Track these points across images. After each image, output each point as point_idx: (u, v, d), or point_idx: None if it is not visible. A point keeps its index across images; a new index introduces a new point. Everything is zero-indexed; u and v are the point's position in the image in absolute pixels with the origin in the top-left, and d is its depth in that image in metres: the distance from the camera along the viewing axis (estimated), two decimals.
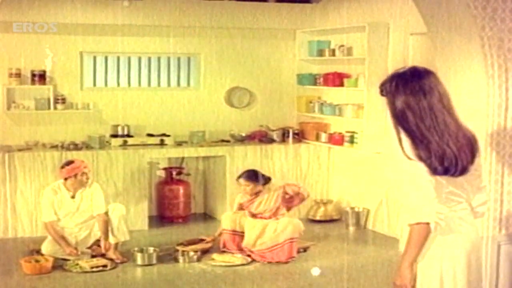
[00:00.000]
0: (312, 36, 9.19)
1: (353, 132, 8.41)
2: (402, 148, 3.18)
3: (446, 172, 3.17)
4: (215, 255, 6.97)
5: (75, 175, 6.92)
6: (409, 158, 3.16)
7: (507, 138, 4.93)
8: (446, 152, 3.15)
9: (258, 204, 7.26)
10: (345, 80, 8.53)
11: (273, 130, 9.05)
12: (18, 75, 8.23)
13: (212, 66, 9.16)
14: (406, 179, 3.19)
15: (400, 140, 3.21)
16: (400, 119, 3.23)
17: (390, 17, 7.98)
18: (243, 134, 9.02)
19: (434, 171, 3.16)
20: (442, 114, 3.20)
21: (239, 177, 7.43)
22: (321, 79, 8.93)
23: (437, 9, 5.15)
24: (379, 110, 8.06)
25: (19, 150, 7.98)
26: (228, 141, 8.94)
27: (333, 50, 8.83)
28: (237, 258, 6.91)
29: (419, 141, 3.16)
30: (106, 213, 6.98)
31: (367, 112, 8.06)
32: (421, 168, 3.14)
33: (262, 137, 9.02)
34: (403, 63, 7.77)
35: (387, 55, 8.03)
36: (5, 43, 8.24)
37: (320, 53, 9.01)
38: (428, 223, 3.13)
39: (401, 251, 3.41)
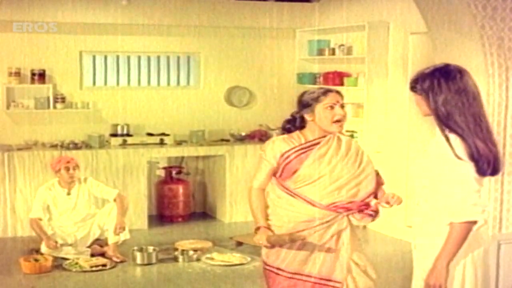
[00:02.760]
0: (312, 35, 9.18)
1: (353, 131, 8.40)
2: (452, 147, 3.12)
3: (493, 172, 3.17)
4: (214, 254, 6.96)
5: (59, 170, 6.96)
6: (459, 158, 3.11)
7: (507, 137, 4.93)
8: (492, 152, 3.15)
9: (320, 156, 3.87)
10: (345, 79, 8.53)
11: (273, 130, 9.03)
12: (18, 74, 8.23)
13: (212, 65, 9.15)
14: (451, 179, 3.13)
15: (448, 139, 3.15)
16: (445, 118, 3.17)
17: (390, 16, 7.98)
18: (243, 134, 9.02)
19: (483, 172, 3.14)
20: (481, 114, 3.19)
21: (325, 91, 3.91)
22: (321, 78, 8.93)
23: (437, 8, 5.15)
24: (379, 110, 8.07)
25: (19, 149, 7.97)
26: (228, 141, 8.93)
27: (333, 49, 8.83)
28: (236, 258, 6.90)
29: (471, 141, 3.12)
30: (119, 194, 7.05)
31: (367, 112, 8.06)
32: (469, 168, 3.11)
33: (262, 137, 9.01)
34: (403, 62, 7.78)
35: (387, 55, 8.02)
36: (5, 42, 8.24)
37: (320, 52, 9.01)
38: (471, 222, 3.12)
39: (413, 253, 3.42)
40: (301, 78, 9.22)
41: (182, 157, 8.88)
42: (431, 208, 3.26)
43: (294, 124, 3.92)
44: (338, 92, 3.90)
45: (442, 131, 3.18)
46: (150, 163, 8.66)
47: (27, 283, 6.23)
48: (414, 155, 7.53)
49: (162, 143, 8.57)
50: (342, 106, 3.86)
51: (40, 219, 6.92)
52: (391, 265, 6.75)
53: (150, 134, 8.72)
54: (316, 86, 9.03)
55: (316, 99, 3.83)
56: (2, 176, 7.75)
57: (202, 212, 9.16)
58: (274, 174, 3.89)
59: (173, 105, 8.99)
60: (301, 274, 3.82)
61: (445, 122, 3.18)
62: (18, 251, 7.20)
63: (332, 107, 3.82)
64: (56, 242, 6.81)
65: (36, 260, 6.55)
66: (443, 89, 3.18)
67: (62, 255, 6.81)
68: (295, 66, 9.33)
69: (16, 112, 8.34)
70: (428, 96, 3.21)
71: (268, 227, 3.80)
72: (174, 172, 8.76)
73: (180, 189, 8.69)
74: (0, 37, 8.21)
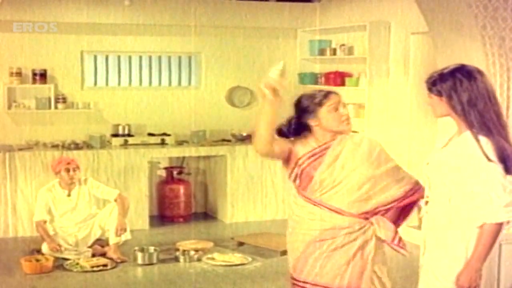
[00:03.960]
0: (313, 35, 9.18)
1: (354, 132, 8.39)
2: (482, 149, 3.11)
3: None
4: (215, 255, 6.96)
5: (59, 171, 6.96)
6: (490, 160, 3.10)
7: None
8: None
9: (333, 160, 3.72)
10: (347, 80, 8.52)
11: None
12: (19, 74, 8.23)
13: (213, 65, 9.15)
14: (482, 180, 3.12)
15: (478, 141, 3.13)
16: (474, 119, 3.15)
17: (391, 16, 7.97)
18: (244, 134, 9.01)
19: (511, 171, 3.14)
20: (501, 113, 3.21)
21: (326, 94, 3.79)
22: (323, 78, 8.93)
23: (438, 8, 5.15)
24: (380, 110, 8.06)
25: (20, 149, 7.97)
26: (229, 141, 8.93)
27: (334, 49, 8.82)
28: (237, 258, 6.90)
29: (497, 141, 3.12)
30: (120, 194, 7.04)
31: (368, 112, 8.05)
32: (499, 168, 3.11)
33: None
34: (404, 62, 7.77)
35: (388, 54, 8.02)
36: (6, 42, 8.24)
37: (322, 52, 9.00)
38: (502, 223, 3.13)
39: (421, 257, 3.43)
40: (303, 78, 9.22)
41: (183, 157, 8.88)
42: (452, 211, 3.23)
43: (289, 129, 3.78)
44: (337, 93, 3.80)
45: (473, 132, 3.15)
46: (151, 163, 8.66)
47: (28, 283, 6.23)
48: (415, 154, 7.52)
49: (163, 143, 8.57)
50: (344, 106, 3.78)
51: (45, 221, 6.93)
52: (391, 265, 6.72)
53: (151, 134, 8.72)
54: (317, 86, 9.04)
55: (319, 103, 3.71)
56: (3, 176, 7.75)
57: (203, 212, 9.15)
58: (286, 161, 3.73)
59: (174, 105, 8.99)
60: None
61: (473, 123, 3.16)
62: (19, 251, 7.19)
63: (336, 108, 3.72)
64: (60, 245, 6.81)
65: (37, 260, 6.55)
66: (467, 89, 3.16)
67: (63, 255, 6.81)
68: (296, 66, 9.33)
69: (18, 112, 8.34)
70: (451, 97, 3.19)
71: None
72: (175, 172, 8.76)
73: (181, 189, 8.69)
74: (1, 37, 8.21)
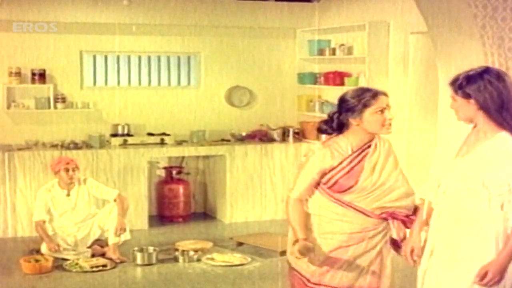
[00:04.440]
0: (313, 35, 9.18)
1: None
2: None
3: None
4: (215, 255, 6.96)
5: (59, 171, 6.95)
6: None
7: None
8: None
9: (373, 166, 3.70)
10: (346, 79, 8.52)
11: (273, 129, 9.03)
12: (18, 74, 8.22)
13: (213, 65, 9.15)
14: None
15: None
16: (508, 119, 3.15)
17: (390, 16, 7.97)
18: (244, 133, 9.01)
19: None
20: None
21: (374, 94, 3.67)
22: (322, 78, 8.92)
23: (438, 8, 5.15)
24: None
25: (19, 149, 7.97)
26: (228, 140, 8.93)
27: (334, 49, 8.82)
28: (237, 258, 6.90)
29: None
30: (119, 194, 7.04)
31: None
32: None
33: (262, 136, 9.00)
34: (404, 62, 7.77)
35: (388, 54, 8.01)
36: (5, 42, 8.24)
37: (321, 52, 9.00)
38: None
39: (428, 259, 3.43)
40: (302, 78, 9.22)
41: (183, 157, 8.88)
42: (487, 211, 3.20)
43: (331, 125, 3.69)
44: (385, 94, 3.66)
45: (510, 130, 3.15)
46: (150, 163, 8.66)
47: (28, 283, 6.23)
48: (414, 154, 7.52)
49: (162, 143, 8.57)
50: (389, 108, 3.66)
51: (44, 221, 6.93)
52: (392, 265, 6.72)
53: (150, 134, 8.71)
54: (316, 86, 9.05)
55: (366, 104, 3.57)
56: (2, 176, 7.75)
57: (203, 212, 9.15)
58: (316, 185, 3.65)
59: (174, 105, 8.99)
60: None
61: (509, 123, 3.14)
62: (19, 251, 7.19)
63: (382, 111, 3.61)
64: (59, 245, 6.82)
65: (37, 261, 6.55)
66: (497, 89, 3.14)
67: (62, 255, 6.81)
68: (295, 66, 9.33)
69: (17, 112, 8.34)
70: (483, 98, 3.15)
71: (306, 239, 3.56)
72: (174, 172, 8.75)
73: (181, 189, 8.68)
74: (0, 37, 8.21)
